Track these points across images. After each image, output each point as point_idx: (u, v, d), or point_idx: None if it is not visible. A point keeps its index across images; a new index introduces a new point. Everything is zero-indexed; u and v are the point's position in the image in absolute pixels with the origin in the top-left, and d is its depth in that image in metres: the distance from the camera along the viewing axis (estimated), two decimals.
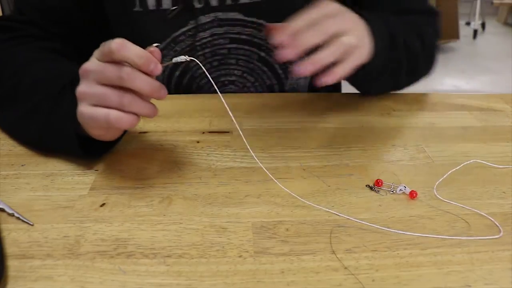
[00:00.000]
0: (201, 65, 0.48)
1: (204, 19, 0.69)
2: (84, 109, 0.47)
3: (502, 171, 0.54)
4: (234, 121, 0.47)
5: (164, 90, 0.46)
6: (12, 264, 0.40)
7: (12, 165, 0.54)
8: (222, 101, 0.48)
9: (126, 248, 0.42)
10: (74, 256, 0.41)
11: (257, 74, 0.76)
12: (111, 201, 0.48)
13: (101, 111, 0.45)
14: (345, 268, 0.40)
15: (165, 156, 0.56)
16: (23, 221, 0.45)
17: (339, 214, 0.46)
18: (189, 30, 0.70)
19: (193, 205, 0.47)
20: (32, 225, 0.44)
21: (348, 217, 0.46)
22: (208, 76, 0.49)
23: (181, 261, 0.40)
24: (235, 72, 0.75)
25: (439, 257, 0.41)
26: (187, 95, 0.75)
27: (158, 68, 0.44)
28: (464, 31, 4.33)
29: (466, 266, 0.40)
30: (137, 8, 0.68)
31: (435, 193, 0.50)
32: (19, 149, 0.57)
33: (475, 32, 4.32)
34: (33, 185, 0.50)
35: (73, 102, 0.49)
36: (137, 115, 0.46)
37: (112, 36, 0.77)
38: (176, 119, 0.65)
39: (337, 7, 0.54)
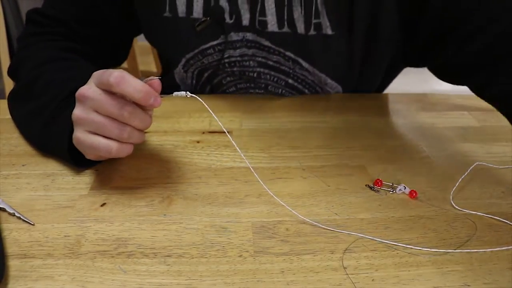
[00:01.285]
0: (203, 102, 0.47)
1: (235, 36, 0.66)
2: (82, 136, 0.47)
3: (501, 171, 0.55)
4: (222, 126, 0.47)
5: (151, 121, 0.48)
6: (13, 264, 0.40)
7: (13, 165, 0.54)
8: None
9: (126, 247, 0.42)
10: (75, 256, 0.41)
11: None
12: (112, 201, 0.48)
13: (102, 142, 0.46)
14: (345, 268, 0.40)
15: (165, 156, 0.56)
16: (24, 220, 0.45)
17: (329, 229, 0.46)
18: (218, 44, 0.67)
19: (193, 205, 0.48)
20: (33, 224, 0.44)
21: (349, 233, 0.46)
22: (211, 112, 0.48)
23: (181, 260, 0.41)
24: (262, 88, 0.72)
25: (438, 256, 0.41)
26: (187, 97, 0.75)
27: (157, 101, 0.45)
28: None
29: (465, 266, 0.40)
30: (167, 14, 0.66)
31: (451, 201, 0.50)
32: (20, 149, 0.57)
33: None
34: (34, 185, 0.50)
35: (66, 123, 0.50)
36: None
37: (149, 39, 0.76)
38: (176, 119, 0.65)
39: None
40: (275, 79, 0.71)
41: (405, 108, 0.71)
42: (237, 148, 0.47)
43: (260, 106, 0.69)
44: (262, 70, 0.70)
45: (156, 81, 0.45)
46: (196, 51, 0.68)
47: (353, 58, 0.67)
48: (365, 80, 0.72)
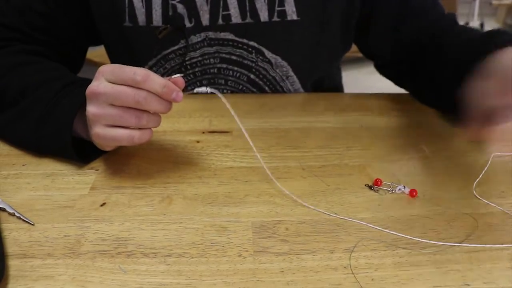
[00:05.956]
0: (223, 98, 0.49)
1: (195, 38, 0.68)
2: (102, 131, 0.48)
3: (500, 171, 0.54)
4: (240, 123, 0.47)
5: (171, 105, 0.48)
6: (13, 264, 0.40)
7: (13, 164, 0.54)
8: (223, 102, 0.48)
9: (126, 247, 0.42)
10: (75, 256, 0.41)
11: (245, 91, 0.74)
12: (112, 201, 0.48)
13: (124, 133, 0.47)
14: (345, 267, 0.40)
15: (165, 156, 0.56)
16: (24, 220, 0.45)
17: (340, 217, 0.46)
18: (179, 49, 0.69)
19: (193, 205, 0.48)
20: (33, 224, 0.44)
21: (348, 219, 0.46)
22: (231, 110, 0.50)
23: (181, 260, 0.41)
24: (224, 91, 0.75)
25: (438, 256, 0.41)
26: (187, 95, 0.75)
27: (179, 96, 0.47)
28: None
29: (465, 265, 0.40)
30: (126, 23, 0.67)
31: (474, 192, 0.50)
32: (20, 149, 0.57)
33: None
34: (34, 185, 0.50)
35: (68, 109, 0.51)
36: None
37: (106, 48, 0.76)
38: (176, 119, 0.65)
39: None
40: (237, 74, 0.72)
41: (404, 108, 0.70)
42: (253, 147, 0.47)
43: (260, 106, 0.69)
44: (223, 65, 0.71)
45: (179, 78, 0.47)
46: (158, 57, 0.70)
47: (315, 43, 0.70)
48: (320, 69, 0.76)
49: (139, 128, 0.48)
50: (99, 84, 0.47)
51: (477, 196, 0.49)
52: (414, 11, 0.70)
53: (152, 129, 0.49)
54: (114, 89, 0.46)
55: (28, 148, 0.56)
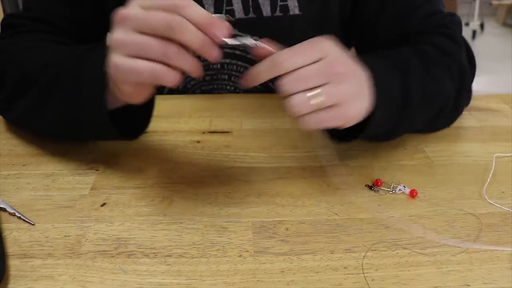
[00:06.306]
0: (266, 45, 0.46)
1: None
2: (121, 61, 0.41)
3: (501, 171, 0.54)
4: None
5: (215, 50, 0.41)
6: (13, 264, 0.40)
7: (13, 165, 0.54)
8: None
9: (126, 247, 0.42)
10: (75, 256, 0.41)
11: (249, 90, 0.73)
12: (112, 201, 0.48)
13: (144, 64, 0.40)
14: (345, 267, 0.40)
15: (166, 156, 0.56)
16: (24, 220, 0.45)
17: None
18: None
19: (193, 205, 0.48)
20: (33, 224, 0.44)
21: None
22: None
23: (181, 260, 0.41)
24: (227, 87, 0.74)
25: (438, 256, 0.41)
26: (187, 95, 0.75)
27: (220, 36, 0.40)
28: (463, 32, 4.32)
29: (465, 266, 0.40)
30: None
31: (484, 195, 0.50)
32: (20, 149, 0.57)
33: (474, 33, 4.32)
34: (34, 185, 0.50)
35: (97, 77, 0.46)
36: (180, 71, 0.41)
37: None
38: (176, 119, 0.65)
39: (332, 48, 0.47)
40: (241, 69, 0.72)
41: None
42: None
43: (260, 106, 0.69)
44: (227, 61, 0.71)
45: (224, 21, 0.41)
46: None
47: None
48: None
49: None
50: (130, 8, 0.41)
51: (486, 197, 0.49)
52: (400, 9, 0.66)
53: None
54: (145, 12, 0.40)
55: (53, 128, 0.54)
